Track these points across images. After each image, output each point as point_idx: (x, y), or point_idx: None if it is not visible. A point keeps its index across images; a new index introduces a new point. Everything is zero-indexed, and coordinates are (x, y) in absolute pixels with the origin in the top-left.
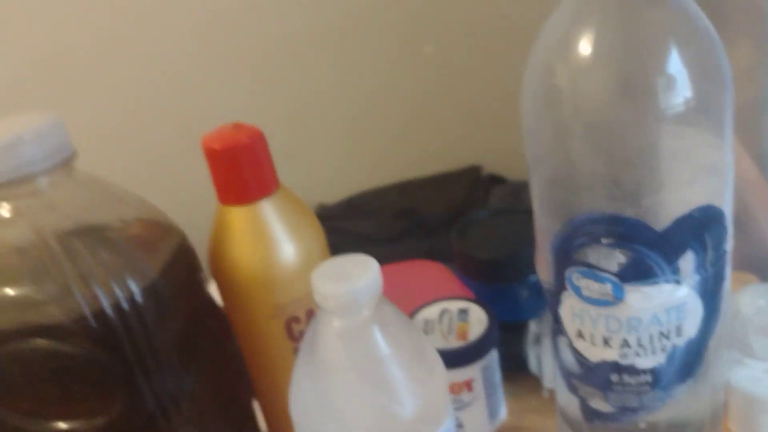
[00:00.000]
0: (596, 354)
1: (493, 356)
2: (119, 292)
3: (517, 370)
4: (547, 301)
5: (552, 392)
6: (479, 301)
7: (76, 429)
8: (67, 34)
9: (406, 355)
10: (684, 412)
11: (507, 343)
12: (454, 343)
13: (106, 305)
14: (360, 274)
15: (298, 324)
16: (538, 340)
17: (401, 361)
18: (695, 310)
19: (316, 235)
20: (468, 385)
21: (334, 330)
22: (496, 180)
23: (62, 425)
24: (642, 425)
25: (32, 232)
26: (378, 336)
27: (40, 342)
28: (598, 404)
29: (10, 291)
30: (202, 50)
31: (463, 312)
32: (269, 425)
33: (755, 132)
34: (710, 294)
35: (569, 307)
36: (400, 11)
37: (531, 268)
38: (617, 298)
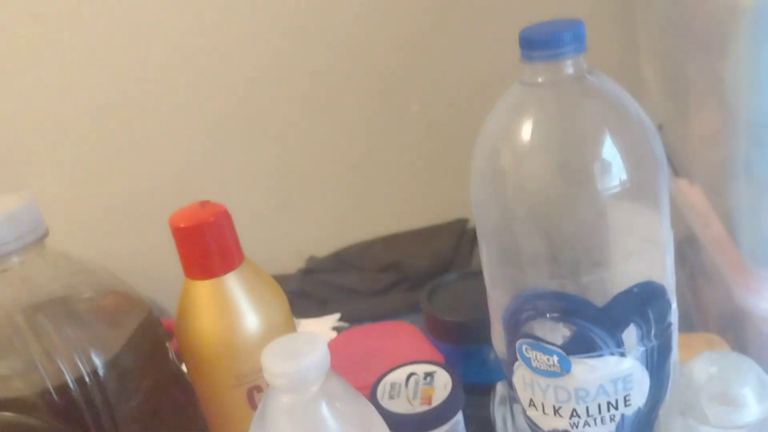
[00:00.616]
0: (548, 423)
1: (459, 420)
2: (82, 366)
3: None
4: (503, 369)
5: None
6: (445, 365)
7: None
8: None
9: (352, 430)
10: None
11: (474, 406)
12: (418, 407)
13: (69, 379)
14: (308, 351)
15: (260, 393)
16: (504, 401)
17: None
18: (641, 381)
19: (280, 305)
20: None
21: (282, 406)
22: None
23: None
24: None
25: None
26: (325, 411)
27: (4, 415)
28: None
29: None
30: (196, 110)
31: (429, 375)
32: None
33: (723, 193)
34: (656, 364)
35: (521, 377)
36: (388, 74)
37: None
38: (564, 370)
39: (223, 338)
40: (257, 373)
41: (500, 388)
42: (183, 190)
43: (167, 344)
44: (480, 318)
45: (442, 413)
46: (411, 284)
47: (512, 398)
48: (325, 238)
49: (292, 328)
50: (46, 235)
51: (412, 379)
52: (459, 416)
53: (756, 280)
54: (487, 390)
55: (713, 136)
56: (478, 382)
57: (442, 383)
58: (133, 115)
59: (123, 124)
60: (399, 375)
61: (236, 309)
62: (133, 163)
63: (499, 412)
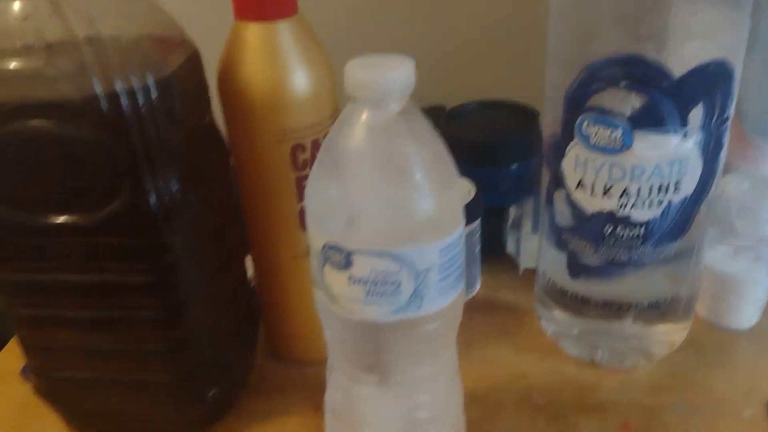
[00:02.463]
0: (594, 204)
1: (478, 227)
2: (134, 81)
3: (493, 253)
4: (547, 159)
5: (527, 271)
6: (468, 178)
7: (75, 223)
8: None
9: (428, 160)
10: (665, 290)
11: (487, 226)
12: None
13: (121, 89)
14: (394, 66)
15: (303, 153)
16: (517, 224)
17: (423, 162)
18: (695, 167)
19: (328, 69)
20: None
21: (361, 121)
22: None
23: (61, 219)
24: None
25: (49, 5)
26: (405, 132)
27: (45, 123)
28: (587, 258)
29: (18, 62)
30: None
31: None
32: (260, 275)
33: None
34: (710, 155)
35: (573, 158)
36: None
37: (515, 156)
38: (625, 145)
39: (273, 87)
40: (304, 130)
41: (513, 212)
42: None
43: (208, 93)
44: (499, 140)
45: (466, 213)
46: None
47: (553, 187)
48: None
49: (337, 101)
50: None
51: None
52: (478, 223)
53: (754, 149)
54: (500, 213)
55: None
56: (491, 204)
57: (466, 190)
58: None
59: None
60: None
61: (287, 59)
62: None
63: (510, 234)
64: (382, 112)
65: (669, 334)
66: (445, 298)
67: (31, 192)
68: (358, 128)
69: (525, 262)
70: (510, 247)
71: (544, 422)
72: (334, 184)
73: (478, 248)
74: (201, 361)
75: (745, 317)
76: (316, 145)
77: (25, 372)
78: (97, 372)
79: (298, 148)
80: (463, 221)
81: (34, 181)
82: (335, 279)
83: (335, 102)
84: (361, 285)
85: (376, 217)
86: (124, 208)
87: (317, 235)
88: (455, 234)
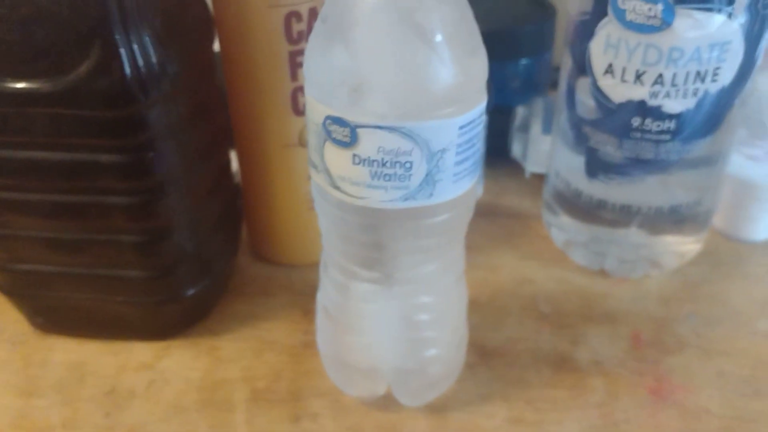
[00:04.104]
0: (623, 93)
1: (484, 120)
2: None
3: (497, 157)
4: (571, 44)
5: (534, 176)
6: None
7: (38, 90)
8: None
9: (451, 19)
10: (685, 197)
11: (491, 127)
12: None
13: None
14: None
15: (299, 22)
16: (525, 125)
17: (446, 22)
18: (736, 54)
19: None
20: None
21: None
22: None
23: (21, 84)
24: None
25: None
26: None
27: None
28: (609, 155)
29: None
30: None
31: None
32: (245, 169)
33: None
34: (753, 41)
35: (604, 38)
36: None
37: (526, 50)
38: (665, 23)
39: None
40: None
41: (522, 111)
42: None
43: None
44: (509, 30)
45: None
46: None
47: (575, 74)
48: None
49: None
50: None
51: None
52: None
53: None
54: (506, 113)
55: None
56: (497, 103)
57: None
58: None
59: None
60: None
61: None
62: None
63: (517, 137)
64: None
65: (683, 245)
66: (459, 185)
67: None
68: None
69: (532, 166)
70: (515, 150)
71: (550, 330)
72: (340, 45)
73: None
74: (178, 255)
75: (764, 227)
76: (313, 14)
77: None
78: (64, 265)
79: (292, 15)
80: (485, 96)
81: None
82: (337, 158)
83: None
84: (367, 165)
85: (388, 84)
86: (94, 72)
87: (318, 107)
88: (477, 110)
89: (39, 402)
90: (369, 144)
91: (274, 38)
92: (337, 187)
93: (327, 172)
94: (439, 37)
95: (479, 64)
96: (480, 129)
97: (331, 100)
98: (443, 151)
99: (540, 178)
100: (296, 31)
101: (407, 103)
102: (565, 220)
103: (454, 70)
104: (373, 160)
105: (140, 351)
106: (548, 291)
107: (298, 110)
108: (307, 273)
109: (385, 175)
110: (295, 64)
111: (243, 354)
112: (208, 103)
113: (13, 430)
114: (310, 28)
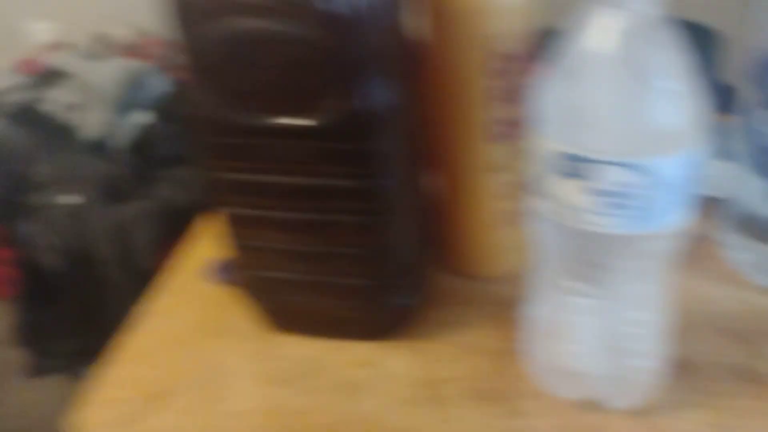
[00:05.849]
0: None
1: None
2: None
3: None
4: (754, 78)
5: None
6: None
7: (295, 126)
8: None
9: (676, 65)
10: None
11: None
12: None
13: None
14: None
15: (497, 62)
16: None
17: (673, 68)
18: None
19: None
20: None
21: (612, 21)
22: None
23: (281, 120)
24: None
25: None
26: (650, 36)
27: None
28: None
29: None
30: None
31: None
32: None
33: None
34: None
35: None
36: None
37: None
38: None
39: None
40: (501, 38)
41: None
42: None
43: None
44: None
45: None
46: None
47: (755, 114)
48: None
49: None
50: None
51: None
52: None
53: None
54: None
55: None
56: None
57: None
58: None
59: None
60: None
61: None
62: None
63: None
64: (636, 12)
65: None
66: (680, 216)
67: (249, 92)
68: (608, 29)
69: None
70: None
71: (732, 345)
72: (576, 89)
73: None
74: (395, 267)
75: None
76: (508, 56)
77: (224, 271)
78: (301, 273)
79: (493, 56)
80: (707, 136)
81: (251, 80)
82: (567, 188)
83: (532, 15)
84: (598, 196)
85: (619, 124)
86: (339, 111)
87: (550, 142)
88: (700, 148)
89: (283, 391)
90: (599, 177)
91: (476, 75)
92: (565, 213)
93: (556, 201)
94: (668, 82)
95: (700, 106)
96: (699, 165)
97: (564, 137)
98: (667, 184)
99: (710, 200)
100: (493, 68)
101: (638, 140)
102: (743, 241)
103: (681, 110)
104: (602, 191)
105: (361, 350)
106: (727, 309)
107: (493, 138)
108: (498, 285)
109: (613, 204)
110: (491, 97)
111: (449, 356)
112: (413, 133)
113: (265, 413)
114: (505, 68)
